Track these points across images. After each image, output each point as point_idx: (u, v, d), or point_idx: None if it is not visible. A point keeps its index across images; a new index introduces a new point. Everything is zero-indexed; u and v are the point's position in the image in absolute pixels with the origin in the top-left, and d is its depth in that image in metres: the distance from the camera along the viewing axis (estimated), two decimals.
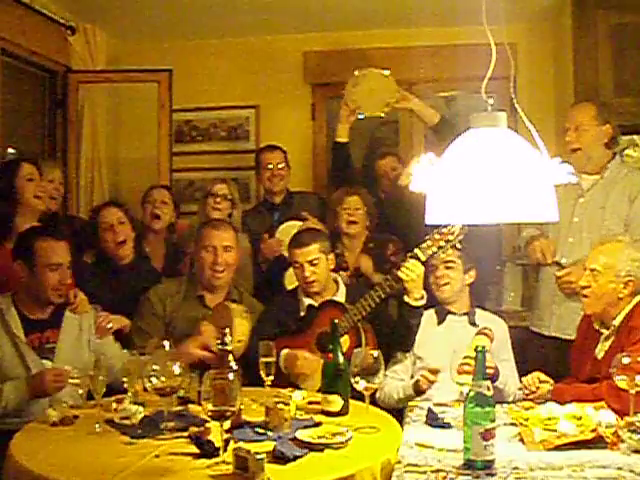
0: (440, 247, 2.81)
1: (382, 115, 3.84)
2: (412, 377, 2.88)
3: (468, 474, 1.83)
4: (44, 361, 2.62)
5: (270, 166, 3.97)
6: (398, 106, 3.81)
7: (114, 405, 2.33)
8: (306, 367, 2.84)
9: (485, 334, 2.65)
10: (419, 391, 2.77)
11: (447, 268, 2.95)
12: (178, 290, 3.11)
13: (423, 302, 2.87)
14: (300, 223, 3.64)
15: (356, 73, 3.81)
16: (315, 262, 2.99)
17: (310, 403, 2.50)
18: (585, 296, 2.56)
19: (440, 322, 2.98)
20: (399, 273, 2.83)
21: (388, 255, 3.51)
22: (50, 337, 2.67)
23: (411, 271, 2.81)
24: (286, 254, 3.50)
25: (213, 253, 3.04)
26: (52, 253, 2.66)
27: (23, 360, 2.57)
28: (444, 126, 3.71)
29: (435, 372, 2.72)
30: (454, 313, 2.98)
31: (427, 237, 2.82)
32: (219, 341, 2.20)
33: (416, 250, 2.84)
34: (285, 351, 2.87)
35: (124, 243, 3.30)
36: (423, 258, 2.82)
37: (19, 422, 2.36)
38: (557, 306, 3.17)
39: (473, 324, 2.93)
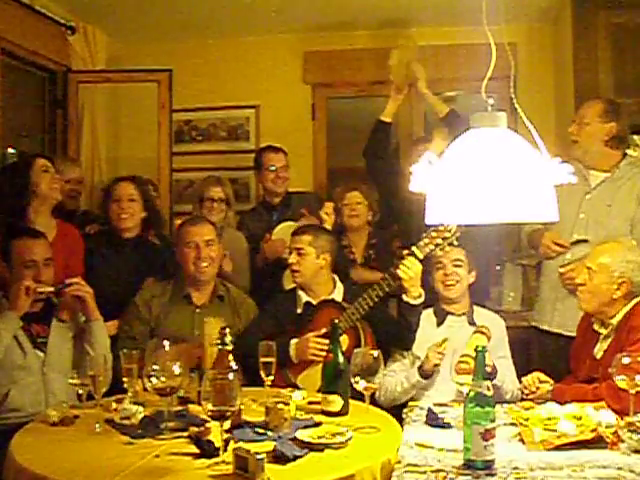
0: (437, 245, 2.81)
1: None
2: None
3: (468, 474, 1.83)
4: (37, 351, 2.64)
5: (273, 168, 3.97)
6: (414, 83, 3.96)
7: (114, 405, 2.33)
8: (318, 351, 2.84)
9: (482, 332, 2.65)
10: (427, 373, 2.76)
11: (456, 266, 2.94)
12: (164, 291, 3.11)
13: (422, 300, 2.87)
14: (296, 224, 3.63)
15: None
16: (302, 252, 3.02)
17: (310, 403, 2.50)
18: (581, 293, 2.57)
19: (440, 323, 2.97)
20: (397, 271, 2.83)
21: (394, 249, 3.54)
22: (40, 332, 2.69)
23: (409, 269, 2.81)
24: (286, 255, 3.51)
25: (195, 248, 3.06)
26: (27, 251, 2.68)
27: (21, 347, 2.60)
28: (453, 118, 3.80)
29: (441, 344, 2.72)
30: (453, 313, 2.98)
31: (424, 235, 2.83)
32: (219, 341, 2.20)
33: (413, 248, 2.84)
34: (294, 340, 2.89)
35: (128, 218, 3.32)
36: (420, 256, 2.83)
37: (18, 420, 2.38)
38: (560, 302, 3.17)
39: (472, 323, 2.92)
